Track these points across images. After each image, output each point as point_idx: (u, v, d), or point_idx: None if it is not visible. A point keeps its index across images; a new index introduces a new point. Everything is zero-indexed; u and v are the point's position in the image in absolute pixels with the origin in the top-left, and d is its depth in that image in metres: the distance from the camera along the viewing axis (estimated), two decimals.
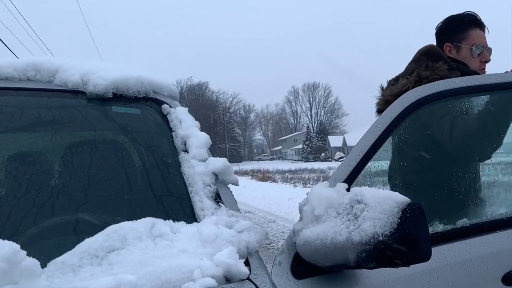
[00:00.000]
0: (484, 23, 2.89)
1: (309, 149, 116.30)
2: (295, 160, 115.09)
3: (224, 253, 1.44)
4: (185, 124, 1.96)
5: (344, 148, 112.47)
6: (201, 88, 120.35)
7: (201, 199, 1.72)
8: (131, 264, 1.38)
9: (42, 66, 1.90)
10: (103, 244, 1.42)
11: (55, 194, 1.65)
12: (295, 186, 28.68)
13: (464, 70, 2.81)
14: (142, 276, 1.34)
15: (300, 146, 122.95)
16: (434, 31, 3.08)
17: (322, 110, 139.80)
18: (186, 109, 2.06)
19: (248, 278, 1.44)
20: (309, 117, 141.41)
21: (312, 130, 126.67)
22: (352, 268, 1.68)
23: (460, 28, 2.89)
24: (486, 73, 2.85)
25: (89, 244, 1.42)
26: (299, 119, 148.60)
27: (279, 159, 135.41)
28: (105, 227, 1.48)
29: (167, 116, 2.01)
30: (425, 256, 1.59)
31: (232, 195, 1.84)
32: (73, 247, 1.41)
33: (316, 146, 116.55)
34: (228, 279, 1.41)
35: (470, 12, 2.90)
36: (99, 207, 1.67)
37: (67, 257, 1.38)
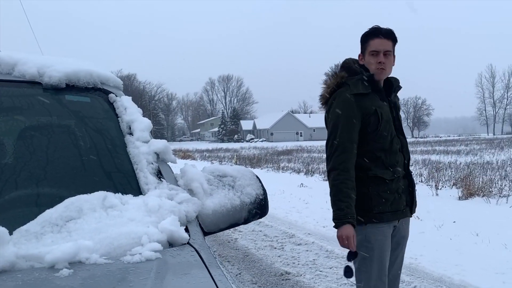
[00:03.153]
0: (387, 32, 3.03)
1: (224, 131, 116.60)
2: (212, 141, 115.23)
3: (167, 221, 1.47)
4: (130, 111, 1.95)
5: (254, 131, 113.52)
6: (130, 79, 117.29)
7: (145, 175, 1.73)
8: (87, 231, 1.39)
9: (2, 60, 1.84)
10: (62, 214, 1.41)
11: (17, 172, 1.62)
12: (212, 163, 28.73)
13: (365, 74, 3.01)
14: (98, 242, 1.35)
15: (216, 129, 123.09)
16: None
17: (235, 99, 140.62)
18: (130, 98, 2.05)
19: (188, 243, 1.48)
20: (224, 104, 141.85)
21: (226, 115, 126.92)
22: (240, 225, 1.81)
23: (364, 40, 3.08)
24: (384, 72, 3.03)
25: (49, 214, 1.41)
26: (215, 106, 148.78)
27: (198, 140, 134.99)
28: (63, 199, 1.47)
29: (114, 104, 1.99)
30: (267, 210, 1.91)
31: (172, 171, 1.86)
32: (35, 217, 1.40)
33: (230, 129, 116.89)
34: (171, 244, 1.45)
35: (374, 26, 3.09)
36: (57, 182, 1.65)
37: (30, 226, 1.37)
